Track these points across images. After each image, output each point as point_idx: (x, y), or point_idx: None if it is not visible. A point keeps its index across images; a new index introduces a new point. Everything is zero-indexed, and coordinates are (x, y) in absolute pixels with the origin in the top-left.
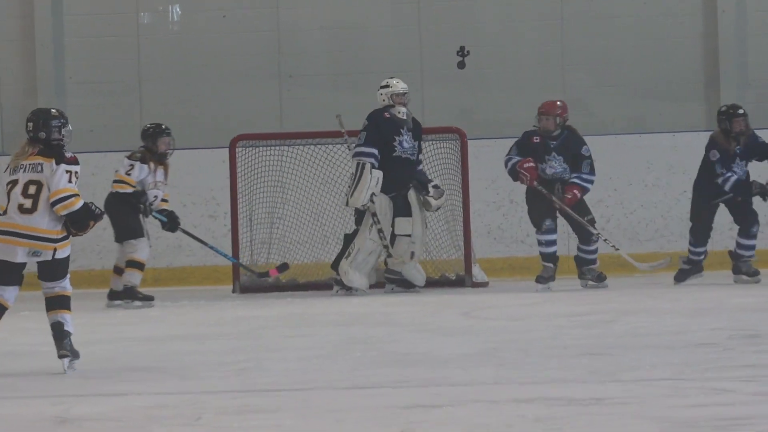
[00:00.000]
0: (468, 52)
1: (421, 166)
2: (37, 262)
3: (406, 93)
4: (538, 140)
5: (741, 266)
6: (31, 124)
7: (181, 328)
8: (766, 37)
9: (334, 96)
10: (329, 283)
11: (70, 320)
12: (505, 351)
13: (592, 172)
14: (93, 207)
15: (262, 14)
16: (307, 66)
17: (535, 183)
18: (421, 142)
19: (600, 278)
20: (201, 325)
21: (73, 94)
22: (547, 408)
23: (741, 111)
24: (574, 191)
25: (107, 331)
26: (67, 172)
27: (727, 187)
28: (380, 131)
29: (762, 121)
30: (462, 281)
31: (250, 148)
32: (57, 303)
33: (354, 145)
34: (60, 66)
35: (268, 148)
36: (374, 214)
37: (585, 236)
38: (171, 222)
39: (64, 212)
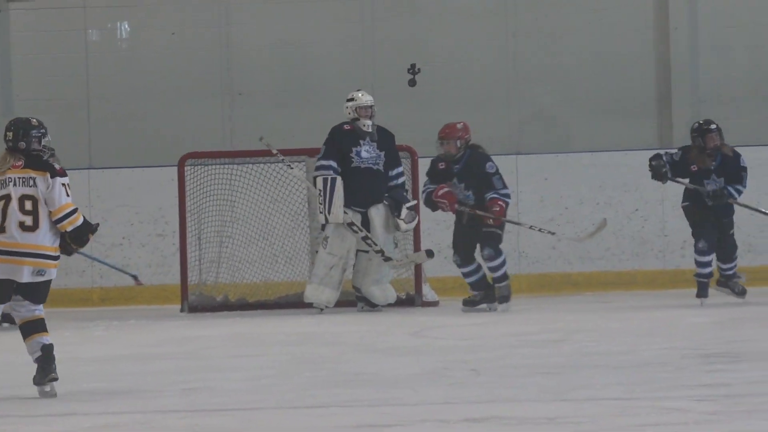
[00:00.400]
0: (419, 69)
1: (402, 179)
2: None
3: (371, 106)
4: (443, 166)
5: (727, 281)
6: (10, 134)
7: (129, 347)
8: (718, 53)
9: (284, 114)
10: (279, 303)
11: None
12: (456, 371)
13: (505, 186)
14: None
15: (211, 32)
16: (257, 83)
17: (456, 206)
18: (395, 153)
19: (502, 299)
20: (149, 345)
21: (21, 112)
22: (499, 427)
23: (713, 126)
24: (498, 203)
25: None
26: (62, 185)
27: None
28: (337, 143)
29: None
30: (412, 300)
31: (199, 167)
32: (39, 326)
33: (312, 162)
34: (7, 83)
35: (218, 166)
36: (351, 224)
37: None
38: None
39: (70, 228)
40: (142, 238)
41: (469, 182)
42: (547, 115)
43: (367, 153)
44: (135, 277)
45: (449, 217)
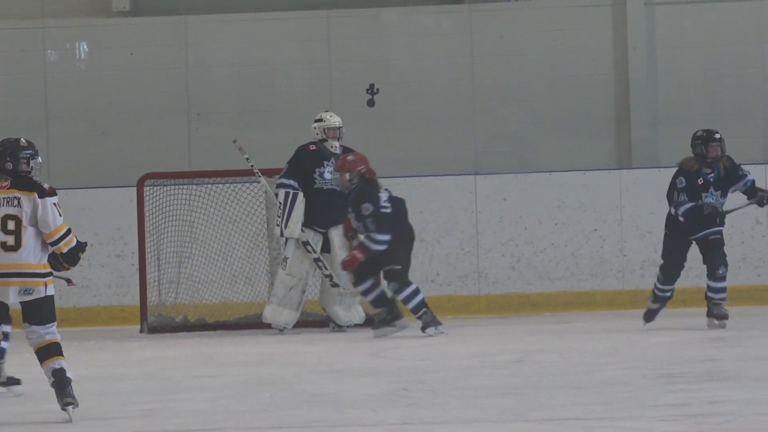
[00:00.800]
0: (378, 89)
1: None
2: (23, 305)
3: (339, 127)
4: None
5: (712, 309)
6: None
7: (89, 368)
8: (677, 74)
9: (243, 134)
10: (238, 323)
11: (67, 367)
12: (414, 391)
13: (379, 230)
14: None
15: (170, 52)
16: (216, 104)
17: (349, 234)
18: None
19: (426, 326)
20: (109, 366)
21: None
22: None
23: (717, 136)
24: (353, 253)
25: (12, 372)
26: (54, 205)
27: (680, 212)
28: (301, 163)
29: (676, 158)
30: (371, 321)
31: (158, 187)
32: (53, 350)
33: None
34: None
35: (177, 186)
36: (306, 243)
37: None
38: None
39: (66, 249)
40: (101, 258)
41: (356, 215)
42: (507, 135)
43: (330, 174)
44: (68, 280)
45: None
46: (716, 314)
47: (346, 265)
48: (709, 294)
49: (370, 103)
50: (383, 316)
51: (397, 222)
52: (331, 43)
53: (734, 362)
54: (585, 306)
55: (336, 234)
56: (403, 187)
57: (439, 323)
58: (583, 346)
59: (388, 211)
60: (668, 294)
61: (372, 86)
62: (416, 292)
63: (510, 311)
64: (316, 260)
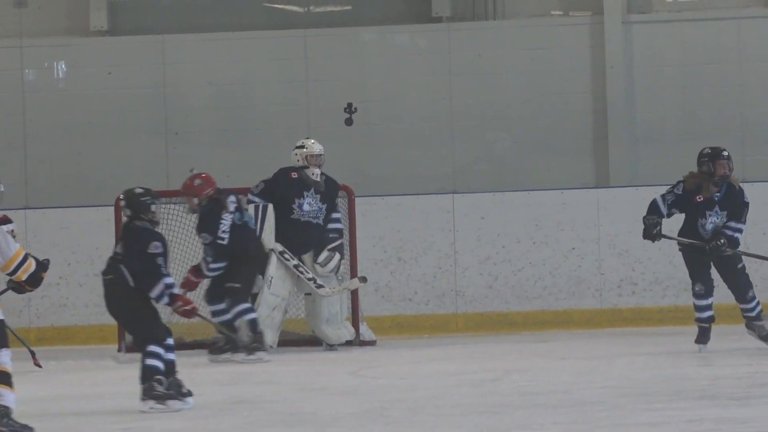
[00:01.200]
0: (355, 108)
1: (339, 224)
2: None
3: (321, 155)
4: None
5: (755, 329)
6: None
7: (68, 387)
8: (654, 92)
9: (221, 153)
10: (217, 342)
11: (9, 398)
12: (393, 410)
13: (215, 259)
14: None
15: (148, 71)
16: (194, 123)
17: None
18: (335, 203)
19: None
20: (87, 385)
21: None
22: None
23: (725, 153)
24: (189, 276)
25: None
26: (7, 233)
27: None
28: (280, 189)
29: (653, 177)
30: (350, 339)
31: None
32: None
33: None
34: None
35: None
36: (283, 252)
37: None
38: None
39: (25, 276)
40: (79, 278)
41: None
42: (484, 154)
43: (309, 206)
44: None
45: (387, 256)
46: (755, 329)
47: (182, 285)
48: (745, 315)
49: (348, 122)
50: (221, 344)
51: (245, 241)
52: (309, 62)
53: (711, 381)
54: (563, 325)
55: (306, 257)
56: (380, 206)
57: (263, 349)
58: (561, 365)
59: (224, 243)
60: (709, 309)
61: (350, 105)
62: (247, 311)
63: (488, 330)
64: (296, 266)
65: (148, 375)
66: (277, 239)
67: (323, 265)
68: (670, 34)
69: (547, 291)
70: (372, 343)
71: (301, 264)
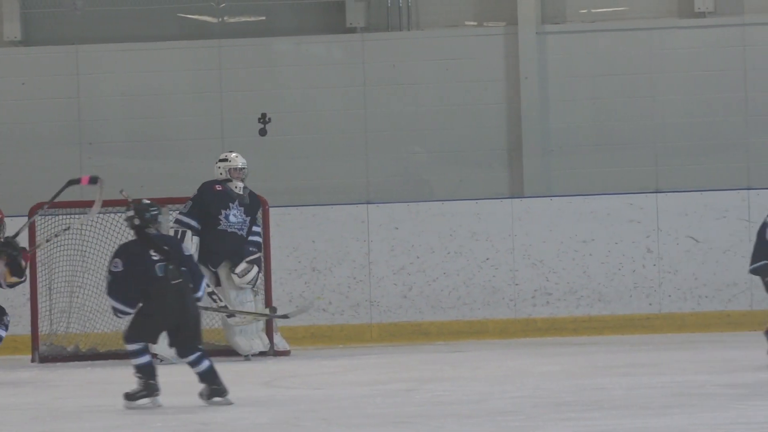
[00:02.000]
0: (269, 119)
1: (259, 238)
2: None
3: (244, 168)
4: None
5: None
6: None
7: None
8: (568, 104)
9: (135, 163)
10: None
11: None
12: (307, 420)
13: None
14: None
15: (62, 81)
16: (107, 133)
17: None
18: (257, 218)
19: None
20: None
21: None
22: None
23: None
24: None
25: None
26: None
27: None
28: (206, 203)
29: (567, 188)
30: (264, 350)
31: (50, 216)
32: None
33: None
34: None
35: (68, 216)
36: None
37: None
38: None
39: None
40: None
41: None
42: (399, 164)
43: (234, 218)
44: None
45: (300, 267)
46: None
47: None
48: None
49: (262, 132)
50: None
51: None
52: (223, 73)
53: (624, 391)
54: (477, 335)
55: (222, 269)
56: (295, 216)
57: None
58: (475, 374)
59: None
60: None
61: (264, 115)
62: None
63: (402, 340)
64: (211, 293)
65: (212, 376)
66: (204, 251)
67: (241, 275)
68: (584, 45)
69: (461, 301)
70: (286, 353)
71: (215, 292)
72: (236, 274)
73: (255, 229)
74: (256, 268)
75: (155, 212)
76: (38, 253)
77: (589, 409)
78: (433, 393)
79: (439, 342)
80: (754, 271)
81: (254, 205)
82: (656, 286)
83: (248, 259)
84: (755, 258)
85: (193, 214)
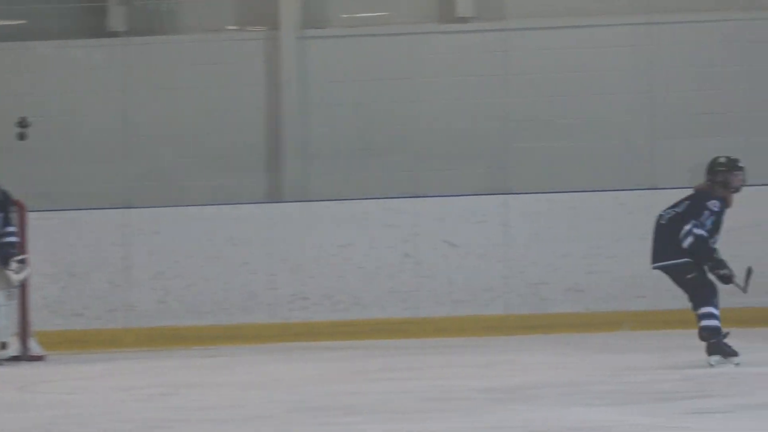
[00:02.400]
0: (29, 123)
1: (14, 239)
2: None
3: None
4: None
5: None
6: None
7: None
8: (329, 108)
9: None
10: None
11: None
12: (62, 425)
13: None
14: None
15: None
16: None
17: None
18: (10, 214)
19: None
20: None
21: None
22: None
23: (741, 165)
24: None
25: None
26: None
27: (685, 244)
28: None
29: (326, 193)
30: (17, 355)
31: None
32: None
33: None
34: None
35: None
36: None
37: None
38: None
39: None
40: None
41: None
42: (160, 169)
43: None
44: None
45: (57, 271)
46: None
47: None
48: None
49: (21, 136)
50: None
51: None
52: None
53: (379, 395)
54: (234, 340)
55: None
56: (53, 221)
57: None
58: (231, 379)
59: None
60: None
61: (23, 119)
62: None
63: (159, 345)
64: None
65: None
66: None
67: (17, 273)
68: (346, 50)
69: (219, 306)
70: (40, 358)
71: None
72: (12, 270)
73: (10, 228)
74: (29, 268)
75: None
76: None
77: (343, 414)
78: (188, 398)
79: (195, 347)
80: (665, 268)
81: (5, 201)
82: (413, 290)
83: (17, 259)
84: (666, 255)
85: None
